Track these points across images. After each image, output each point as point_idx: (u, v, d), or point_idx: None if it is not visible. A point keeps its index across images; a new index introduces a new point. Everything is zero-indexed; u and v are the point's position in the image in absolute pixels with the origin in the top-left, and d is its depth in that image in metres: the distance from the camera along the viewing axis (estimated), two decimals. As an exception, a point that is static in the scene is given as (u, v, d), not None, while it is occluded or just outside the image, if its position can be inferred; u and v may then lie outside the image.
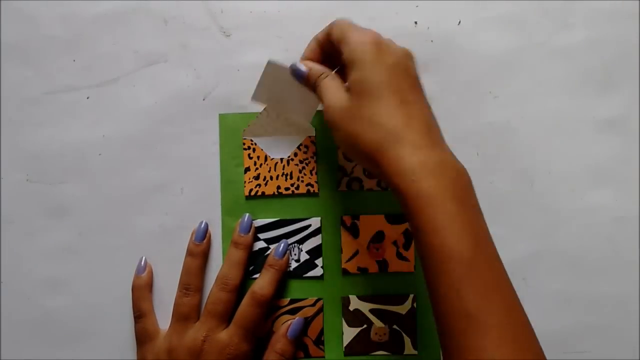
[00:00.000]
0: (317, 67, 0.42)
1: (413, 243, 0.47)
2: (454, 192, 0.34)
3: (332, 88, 0.40)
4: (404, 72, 0.38)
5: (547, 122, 0.48)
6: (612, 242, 0.47)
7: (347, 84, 0.39)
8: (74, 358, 0.47)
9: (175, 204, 0.48)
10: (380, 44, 0.38)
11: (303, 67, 0.42)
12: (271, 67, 0.45)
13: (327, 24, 0.42)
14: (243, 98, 0.48)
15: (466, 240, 0.33)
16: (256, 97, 0.46)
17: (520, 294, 0.46)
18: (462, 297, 0.33)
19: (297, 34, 0.48)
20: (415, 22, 0.48)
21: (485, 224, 0.36)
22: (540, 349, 0.35)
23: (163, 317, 0.47)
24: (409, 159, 0.35)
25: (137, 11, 0.49)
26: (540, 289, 0.47)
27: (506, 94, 0.48)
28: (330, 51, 0.42)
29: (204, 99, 0.48)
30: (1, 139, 0.48)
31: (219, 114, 0.48)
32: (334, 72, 0.42)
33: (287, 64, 0.43)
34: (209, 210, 0.48)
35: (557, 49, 0.48)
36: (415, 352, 0.46)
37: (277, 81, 0.45)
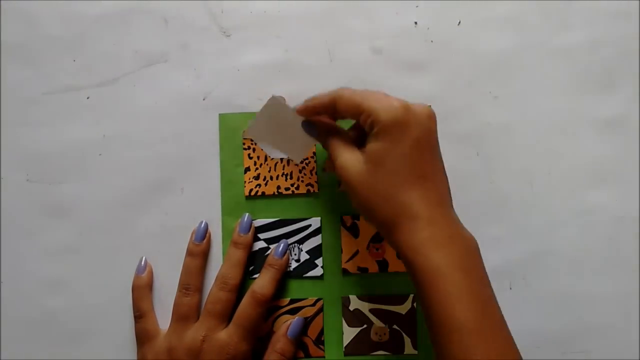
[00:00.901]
0: (326, 122, 0.43)
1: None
2: (462, 264, 0.36)
3: (345, 148, 0.40)
4: (427, 143, 0.38)
5: (547, 122, 0.48)
6: (612, 242, 0.47)
7: (365, 148, 0.39)
8: (74, 358, 0.47)
9: (175, 204, 0.48)
10: (407, 114, 0.38)
11: (312, 125, 0.43)
12: (273, 103, 0.44)
13: (333, 91, 0.41)
14: (243, 98, 0.48)
15: (473, 310, 0.35)
16: (250, 132, 0.45)
17: (520, 294, 0.46)
18: None
19: (297, 34, 0.48)
20: (415, 22, 0.48)
21: (491, 292, 0.37)
22: None
23: (163, 317, 0.47)
24: (421, 234, 0.37)
25: (137, 11, 0.49)
26: (540, 289, 0.47)
27: (506, 94, 0.48)
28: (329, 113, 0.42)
29: (204, 99, 0.48)
30: (1, 139, 0.48)
31: (219, 114, 0.48)
32: (347, 129, 0.43)
33: (290, 104, 0.44)
34: (209, 210, 0.48)
35: (557, 49, 0.48)
36: (416, 352, 0.46)
37: (275, 118, 0.44)
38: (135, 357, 0.47)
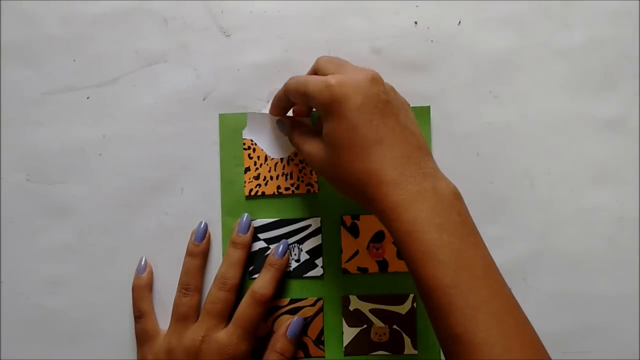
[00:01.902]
0: (291, 118, 0.45)
1: None
2: (433, 220, 0.35)
3: (306, 140, 0.42)
4: (373, 106, 0.38)
5: (547, 122, 0.48)
6: (612, 242, 0.47)
7: (322, 134, 0.40)
8: (74, 358, 0.47)
9: (175, 204, 0.48)
10: (341, 89, 0.38)
11: (283, 125, 0.46)
12: (252, 116, 0.47)
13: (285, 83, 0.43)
14: (243, 98, 0.48)
15: (446, 267, 0.34)
16: (248, 132, 0.48)
17: (520, 294, 0.46)
18: (450, 321, 0.34)
19: (297, 34, 0.48)
20: (415, 22, 0.48)
21: (472, 240, 0.36)
22: (542, 345, 0.35)
23: (163, 317, 0.47)
24: (389, 199, 0.36)
25: (137, 11, 0.49)
26: (540, 289, 0.47)
27: (506, 94, 0.48)
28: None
29: (204, 99, 0.48)
30: (1, 139, 0.48)
31: (219, 114, 0.48)
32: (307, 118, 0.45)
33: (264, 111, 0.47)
34: (209, 210, 0.48)
35: (557, 49, 0.48)
36: (416, 352, 0.46)
37: (258, 125, 0.47)
38: (135, 357, 0.47)
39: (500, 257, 0.46)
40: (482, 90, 0.48)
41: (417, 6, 0.48)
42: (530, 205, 0.47)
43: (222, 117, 0.48)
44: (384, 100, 0.38)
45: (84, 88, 0.49)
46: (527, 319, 0.36)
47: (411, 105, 0.47)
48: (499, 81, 0.48)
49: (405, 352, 0.46)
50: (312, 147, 0.41)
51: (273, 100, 0.46)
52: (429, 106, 0.47)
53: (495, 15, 0.48)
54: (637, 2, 0.48)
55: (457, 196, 0.37)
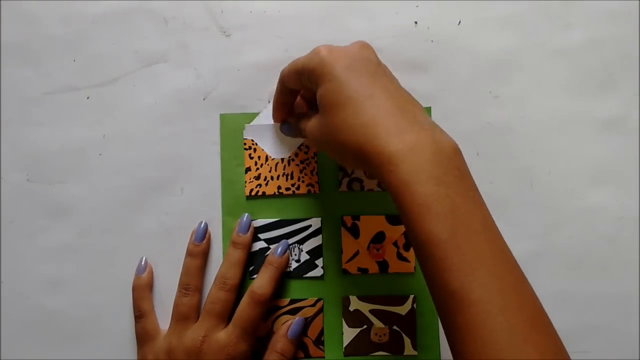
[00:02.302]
0: (291, 119, 0.45)
1: None
2: (431, 172, 0.34)
3: (306, 120, 0.42)
4: (363, 66, 0.38)
5: (547, 122, 0.48)
6: (612, 242, 0.47)
7: (317, 103, 0.40)
8: (74, 358, 0.47)
9: (175, 204, 0.48)
10: (330, 49, 0.39)
11: (285, 129, 0.46)
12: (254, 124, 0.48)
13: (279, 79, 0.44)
14: (243, 98, 0.48)
15: (443, 220, 0.33)
16: (249, 132, 0.48)
17: (520, 294, 0.46)
18: (445, 277, 0.32)
19: (297, 34, 0.48)
20: (415, 22, 0.48)
21: (470, 194, 0.35)
22: (540, 305, 0.34)
23: (163, 317, 0.47)
24: (385, 150, 0.35)
25: (137, 11, 0.49)
26: (540, 289, 0.47)
27: (506, 94, 0.48)
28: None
29: (204, 99, 0.48)
30: (1, 139, 0.48)
31: (220, 114, 0.48)
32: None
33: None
34: (209, 210, 0.48)
35: (557, 49, 0.48)
36: (415, 353, 0.46)
37: (260, 125, 0.48)
38: (135, 357, 0.47)
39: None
40: (482, 90, 0.48)
41: (417, 6, 0.48)
42: (530, 205, 0.47)
43: (223, 117, 0.48)
44: (375, 62, 0.39)
45: (84, 88, 0.49)
46: (526, 279, 0.34)
47: None
48: (499, 81, 0.48)
49: (405, 353, 0.46)
50: (311, 122, 0.41)
51: (273, 102, 0.46)
52: (429, 107, 0.47)
53: (495, 15, 0.48)
54: (637, 2, 0.48)
55: (456, 150, 0.36)
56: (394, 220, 0.47)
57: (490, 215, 0.35)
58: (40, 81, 0.48)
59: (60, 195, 0.48)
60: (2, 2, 0.49)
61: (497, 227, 0.35)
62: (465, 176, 0.36)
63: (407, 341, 0.46)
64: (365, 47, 0.39)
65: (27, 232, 0.48)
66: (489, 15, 0.48)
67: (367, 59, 0.39)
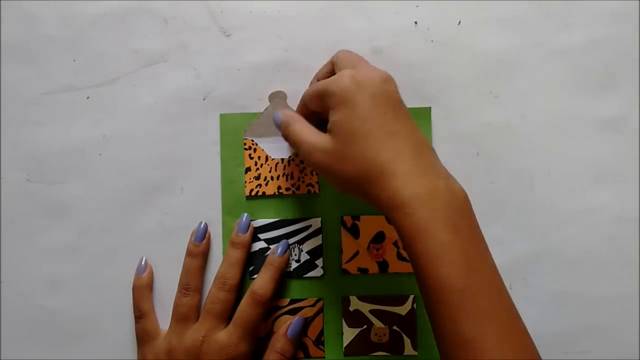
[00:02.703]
0: (289, 114, 0.43)
1: None
2: (447, 220, 0.35)
3: (305, 131, 0.40)
4: (385, 101, 0.38)
5: (547, 122, 0.48)
6: (612, 242, 0.47)
7: (328, 126, 0.39)
8: (74, 358, 0.47)
9: (175, 204, 0.48)
10: (355, 78, 0.38)
11: (280, 115, 0.43)
12: (273, 102, 0.47)
13: (302, 99, 0.44)
14: (243, 98, 0.48)
15: (459, 269, 0.34)
16: (249, 132, 0.47)
17: (520, 294, 0.46)
18: (458, 325, 0.33)
19: (297, 34, 0.48)
20: (415, 22, 0.48)
21: (481, 246, 0.36)
22: (537, 352, 0.35)
23: (163, 317, 0.47)
24: (402, 192, 0.35)
25: (137, 11, 0.49)
26: (540, 289, 0.47)
27: (506, 94, 0.48)
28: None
29: (204, 99, 0.48)
30: (1, 139, 0.48)
31: (220, 114, 0.48)
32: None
33: (290, 103, 0.46)
34: (209, 210, 0.48)
35: (557, 49, 0.48)
36: (415, 353, 0.46)
37: (260, 125, 0.48)
38: (136, 357, 0.47)
39: (500, 257, 0.46)
40: (482, 90, 0.48)
41: (417, 6, 0.48)
42: (530, 205, 0.47)
43: (223, 117, 0.48)
44: (395, 98, 0.39)
45: (84, 88, 0.49)
46: (524, 325, 0.36)
47: (411, 106, 0.47)
48: (499, 81, 0.48)
49: (405, 353, 0.46)
50: (316, 139, 0.39)
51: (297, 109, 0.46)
52: (430, 107, 0.47)
53: (495, 15, 0.48)
54: (637, 2, 0.48)
55: (467, 199, 0.37)
56: None
57: (495, 266, 0.36)
58: (40, 81, 0.48)
59: (60, 195, 0.48)
60: (2, 2, 0.49)
61: (500, 276, 0.36)
62: (476, 226, 0.37)
63: (407, 341, 0.46)
64: (388, 80, 0.39)
65: (27, 232, 0.48)
66: (489, 15, 0.48)
67: (390, 93, 0.38)
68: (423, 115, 0.47)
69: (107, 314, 0.48)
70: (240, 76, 0.48)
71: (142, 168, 0.48)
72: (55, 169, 0.48)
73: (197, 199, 0.48)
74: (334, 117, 0.38)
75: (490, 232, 0.46)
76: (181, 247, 0.47)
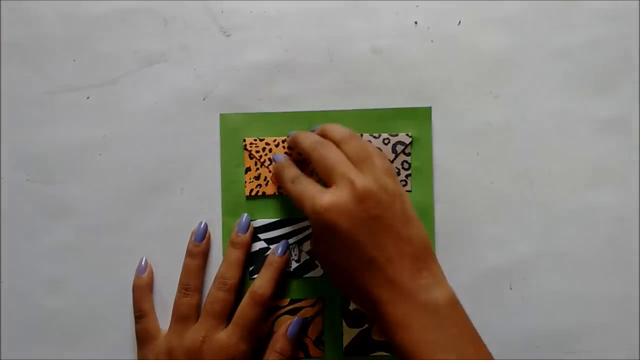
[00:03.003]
0: (290, 170, 0.44)
1: None
2: (427, 338, 0.36)
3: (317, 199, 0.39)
4: (361, 227, 0.37)
5: (547, 122, 0.48)
6: (612, 242, 0.47)
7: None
8: (74, 358, 0.47)
9: (175, 204, 0.48)
10: (327, 214, 0.37)
11: (280, 157, 0.45)
12: None
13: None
14: (243, 98, 0.48)
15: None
16: None
17: (520, 294, 0.46)
18: None
19: (297, 34, 0.48)
20: (415, 22, 0.48)
21: (470, 350, 0.36)
22: None
23: (163, 317, 0.47)
24: (385, 318, 0.37)
25: (137, 11, 0.49)
26: (540, 289, 0.47)
27: (506, 94, 0.48)
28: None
29: (204, 99, 0.48)
30: (1, 139, 0.48)
31: (220, 114, 0.48)
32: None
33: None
34: (209, 210, 0.48)
35: (557, 49, 0.48)
36: None
37: None
38: (136, 358, 0.47)
39: (500, 257, 0.47)
40: (482, 90, 0.48)
41: (417, 6, 0.48)
42: (530, 205, 0.47)
43: (223, 117, 0.48)
44: (373, 216, 0.38)
45: (84, 88, 0.49)
46: None
47: (412, 106, 0.47)
48: (499, 81, 0.48)
49: None
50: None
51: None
52: (430, 107, 0.47)
53: (495, 15, 0.48)
54: (637, 2, 0.48)
55: (453, 304, 0.37)
56: None
57: None
58: (40, 81, 0.48)
59: (60, 195, 0.48)
60: (2, 2, 0.49)
61: None
62: (464, 331, 0.37)
63: None
64: (362, 197, 0.37)
65: (27, 232, 0.48)
66: (489, 15, 0.48)
67: (366, 212, 0.37)
68: (423, 115, 0.47)
69: (107, 314, 0.48)
70: (240, 76, 0.48)
71: (142, 168, 0.48)
72: (55, 169, 0.48)
73: (197, 199, 0.48)
74: (316, 248, 0.41)
75: (490, 232, 0.47)
76: (181, 247, 0.47)
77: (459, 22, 0.48)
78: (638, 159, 0.47)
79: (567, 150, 0.47)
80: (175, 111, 0.48)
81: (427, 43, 0.48)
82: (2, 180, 0.48)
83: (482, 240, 0.47)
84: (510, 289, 0.47)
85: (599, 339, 0.46)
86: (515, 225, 0.47)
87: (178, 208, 0.48)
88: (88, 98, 0.49)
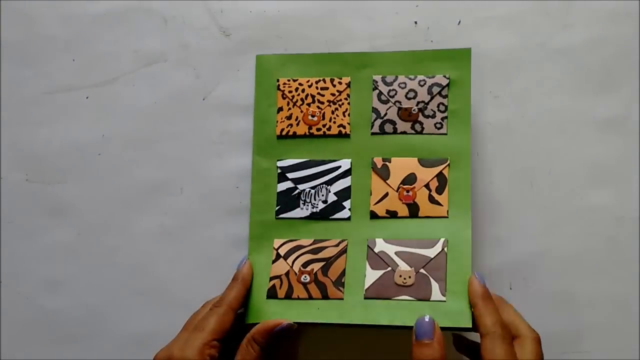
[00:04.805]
0: None
1: (448, 187, 0.44)
2: None
3: None
4: None
5: (547, 122, 0.48)
6: (612, 242, 0.47)
7: None
8: (74, 358, 0.47)
9: (175, 204, 0.48)
10: None
11: None
12: None
13: None
14: (243, 98, 0.48)
15: None
16: None
17: (520, 294, 0.46)
18: None
19: (297, 34, 0.48)
20: (415, 22, 0.48)
21: None
22: None
23: (162, 317, 0.47)
24: None
25: (137, 11, 0.49)
26: (540, 289, 0.47)
27: (506, 94, 0.48)
28: None
29: (204, 99, 0.48)
30: (1, 139, 0.48)
31: (257, 55, 0.46)
32: None
33: None
34: (208, 210, 0.48)
35: (557, 49, 0.48)
36: (444, 299, 0.41)
37: None
38: (135, 357, 0.47)
39: (500, 257, 0.47)
40: (482, 90, 0.48)
41: (417, 6, 0.48)
42: (530, 205, 0.47)
43: (259, 58, 0.47)
44: None
45: (83, 88, 0.49)
46: None
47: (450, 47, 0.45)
48: (499, 81, 0.48)
49: (432, 299, 0.41)
50: None
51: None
52: (470, 49, 0.45)
53: (495, 15, 0.48)
54: (637, 2, 0.48)
55: None
56: (426, 163, 0.45)
57: None
58: (40, 81, 0.48)
59: (60, 195, 0.48)
60: (2, 2, 0.49)
61: None
62: None
63: (434, 286, 0.42)
64: None
65: (27, 232, 0.48)
66: (489, 15, 0.48)
67: None
68: (462, 56, 0.45)
69: (107, 314, 0.48)
70: (240, 76, 0.48)
71: (142, 168, 0.48)
72: (55, 169, 0.48)
73: (197, 199, 0.48)
74: None
75: (490, 232, 0.47)
76: (181, 247, 0.47)
77: (459, 22, 0.48)
78: (638, 159, 0.47)
79: (567, 150, 0.47)
80: (175, 111, 0.48)
81: (427, 43, 0.48)
82: (2, 180, 0.48)
83: (483, 240, 0.47)
84: (510, 289, 0.47)
85: (599, 339, 0.46)
86: (515, 225, 0.47)
87: (178, 208, 0.48)
88: (87, 98, 0.48)
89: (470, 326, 0.39)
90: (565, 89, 0.48)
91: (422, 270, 0.43)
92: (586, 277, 0.47)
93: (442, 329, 0.39)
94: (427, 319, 0.39)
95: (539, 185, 0.47)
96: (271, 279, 0.44)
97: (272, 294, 0.43)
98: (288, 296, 0.43)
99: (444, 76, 0.45)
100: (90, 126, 0.48)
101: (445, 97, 0.45)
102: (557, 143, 0.47)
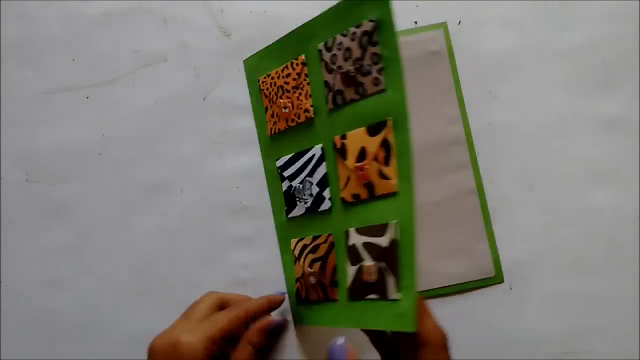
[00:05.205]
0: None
1: (394, 159, 0.38)
2: None
3: None
4: None
5: (547, 122, 0.48)
6: (612, 242, 0.47)
7: None
8: (74, 358, 0.47)
9: (174, 204, 0.48)
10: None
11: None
12: None
13: None
14: (243, 98, 0.48)
15: None
16: None
17: (520, 294, 0.46)
18: None
19: (297, 34, 0.48)
20: (416, 22, 0.48)
21: None
22: None
23: (162, 317, 0.47)
24: None
25: (137, 11, 0.49)
26: (540, 289, 0.47)
27: (506, 94, 0.48)
28: None
29: (204, 99, 0.48)
30: (1, 139, 0.48)
31: (243, 60, 0.47)
32: None
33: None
34: (208, 211, 0.48)
35: (557, 49, 0.48)
36: (398, 297, 0.36)
37: None
38: (135, 357, 0.47)
39: (500, 257, 0.47)
40: (482, 90, 0.48)
41: (417, 6, 0.48)
42: (530, 206, 0.47)
43: (246, 62, 0.47)
44: None
45: (83, 88, 0.49)
46: None
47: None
48: (499, 81, 0.48)
49: (389, 297, 0.37)
50: None
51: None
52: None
53: (495, 15, 0.48)
54: (637, 2, 0.48)
55: None
56: (372, 130, 0.39)
57: None
58: (40, 81, 0.48)
59: (60, 195, 0.48)
60: (2, 2, 0.49)
61: None
62: None
63: (390, 282, 0.37)
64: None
65: (27, 232, 0.48)
66: (489, 15, 0.48)
67: None
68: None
69: (107, 314, 0.48)
70: (240, 76, 0.48)
71: (142, 168, 0.48)
72: (55, 169, 0.48)
73: (197, 199, 0.48)
74: None
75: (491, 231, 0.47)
76: (180, 247, 0.47)
77: (459, 22, 0.48)
78: (638, 159, 0.47)
79: (567, 150, 0.47)
80: (175, 111, 0.48)
81: (427, 43, 0.48)
82: (2, 180, 0.48)
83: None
84: (510, 289, 0.47)
85: (599, 339, 0.46)
86: (515, 225, 0.47)
87: (177, 208, 0.48)
88: (87, 98, 0.48)
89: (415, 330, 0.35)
90: (565, 89, 0.48)
91: (380, 263, 0.38)
92: (586, 277, 0.47)
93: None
94: (338, 343, 0.36)
95: (539, 185, 0.47)
96: (296, 280, 0.45)
97: (298, 297, 0.45)
98: (307, 299, 0.44)
99: (369, 20, 0.38)
100: (90, 126, 0.48)
101: (375, 44, 0.38)
102: (557, 143, 0.47)
